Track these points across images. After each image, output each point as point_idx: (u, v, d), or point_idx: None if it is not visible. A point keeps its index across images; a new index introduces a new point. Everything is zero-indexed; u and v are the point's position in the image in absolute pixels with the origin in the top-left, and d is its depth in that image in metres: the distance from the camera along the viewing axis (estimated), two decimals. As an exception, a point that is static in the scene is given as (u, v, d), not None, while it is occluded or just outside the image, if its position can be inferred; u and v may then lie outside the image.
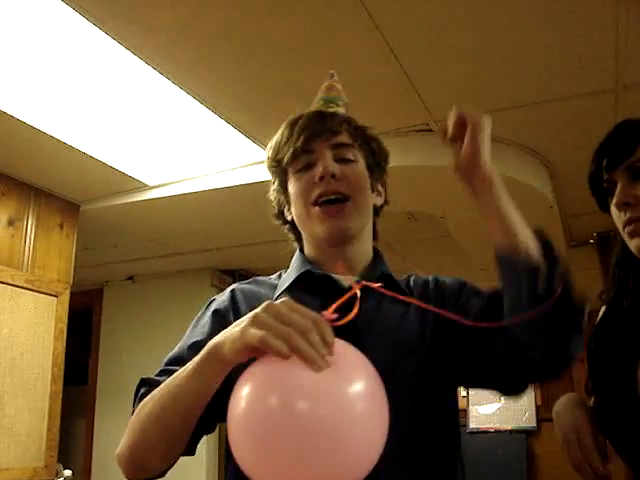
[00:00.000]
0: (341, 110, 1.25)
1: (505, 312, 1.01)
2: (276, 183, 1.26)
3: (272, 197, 1.29)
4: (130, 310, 4.51)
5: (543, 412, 6.04)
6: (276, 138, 1.23)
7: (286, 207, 1.26)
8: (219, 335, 0.91)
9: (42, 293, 3.01)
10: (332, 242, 1.18)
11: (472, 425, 5.98)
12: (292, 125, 1.20)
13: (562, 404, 1.23)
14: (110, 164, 2.85)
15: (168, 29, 2.02)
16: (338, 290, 1.08)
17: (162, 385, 1.03)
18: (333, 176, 1.14)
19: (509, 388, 1.13)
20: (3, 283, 2.84)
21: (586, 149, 1.19)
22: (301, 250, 1.27)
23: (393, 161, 3.08)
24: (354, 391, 0.80)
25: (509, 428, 5.98)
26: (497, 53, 2.24)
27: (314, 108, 1.26)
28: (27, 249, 2.99)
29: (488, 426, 5.98)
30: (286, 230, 1.31)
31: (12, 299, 2.87)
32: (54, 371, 3.01)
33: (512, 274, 1.01)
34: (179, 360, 1.13)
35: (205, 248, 3.94)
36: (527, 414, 6.05)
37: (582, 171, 1.28)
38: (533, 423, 6.01)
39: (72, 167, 2.87)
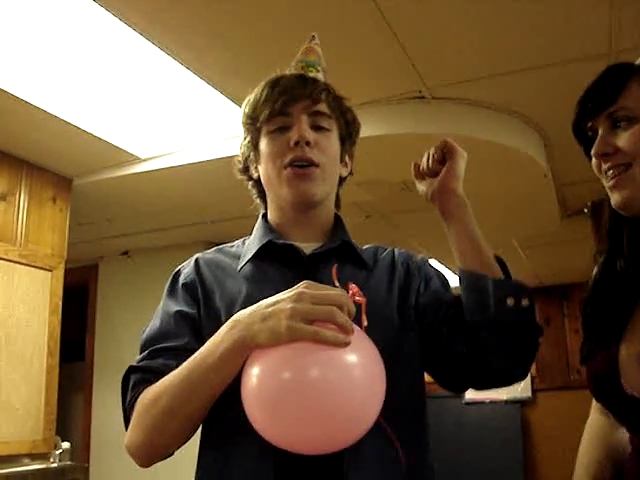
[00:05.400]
0: (320, 76, 1.26)
1: (469, 319, 1.11)
2: (247, 139, 1.27)
3: (240, 152, 1.31)
4: (126, 285, 4.51)
5: (538, 382, 6.08)
6: (254, 95, 1.23)
7: (253, 165, 1.28)
8: (240, 325, 0.95)
9: (36, 268, 3.00)
10: (297, 207, 1.21)
11: (467, 396, 5.99)
12: (272, 85, 1.21)
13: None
14: (101, 137, 2.82)
15: (157, -4, 1.99)
16: (300, 258, 1.18)
17: (175, 376, 1.04)
18: (307, 143, 1.17)
19: (451, 383, 1.20)
20: (-4, 258, 2.83)
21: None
22: (264, 216, 1.29)
23: (387, 129, 3.06)
24: (359, 359, 0.89)
25: (504, 398, 6.02)
26: (490, 19, 2.22)
27: (292, 70, 1.27)
28: (20, 224, 2.97)
29: (483, 397, 6.01)
30: (250, 186, 1.33)
31: (6, 274, 2.86)
32: (50, 345, 3.01)
33: (481, 286, 1.10)
34: (167, 335, 1.15)
35: (200, 221, 3.93)
36: (522, 384, 6.09)
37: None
38: (528, 393, 6.06)
39: (63, 140, 2.84)
